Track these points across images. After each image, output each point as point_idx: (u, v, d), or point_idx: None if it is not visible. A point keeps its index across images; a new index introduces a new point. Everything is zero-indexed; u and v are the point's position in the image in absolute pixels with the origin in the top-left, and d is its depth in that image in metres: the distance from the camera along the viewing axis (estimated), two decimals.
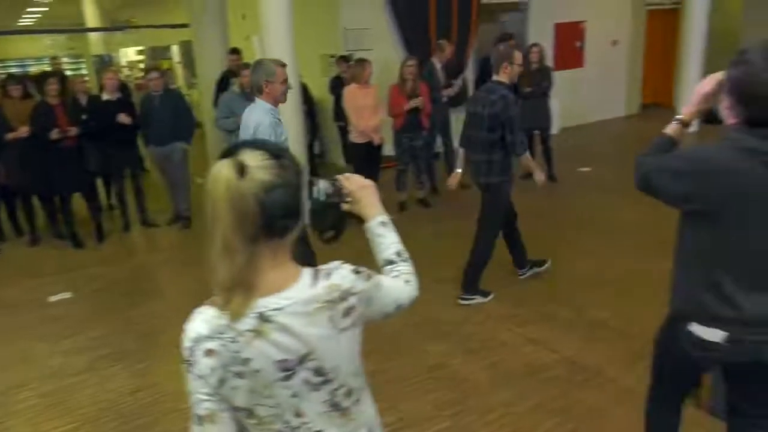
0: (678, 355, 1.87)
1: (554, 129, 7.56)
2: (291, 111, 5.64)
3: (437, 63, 6.54)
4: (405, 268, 1.36)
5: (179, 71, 13.52)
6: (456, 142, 7.02)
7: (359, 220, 4.98)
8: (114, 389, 3.30)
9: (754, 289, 1.67)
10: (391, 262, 1.36)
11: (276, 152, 1.09)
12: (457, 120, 7.19)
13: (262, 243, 1.07)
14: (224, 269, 1.05)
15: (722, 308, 1.70)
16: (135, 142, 5.97)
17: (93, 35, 16.46)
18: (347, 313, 1.15)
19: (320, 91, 7.96)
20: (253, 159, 1.06)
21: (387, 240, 1.38)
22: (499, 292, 4.10)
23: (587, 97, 10.33)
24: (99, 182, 6.41)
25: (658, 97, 11.10)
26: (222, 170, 1.04)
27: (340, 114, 6.57)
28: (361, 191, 1.38)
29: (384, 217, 1.39)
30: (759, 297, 1.66)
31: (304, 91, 7.01)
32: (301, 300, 1.10)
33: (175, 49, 13.66)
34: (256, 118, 3.37)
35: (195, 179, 6.23)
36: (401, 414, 2.88)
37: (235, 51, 7.01)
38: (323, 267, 1.17)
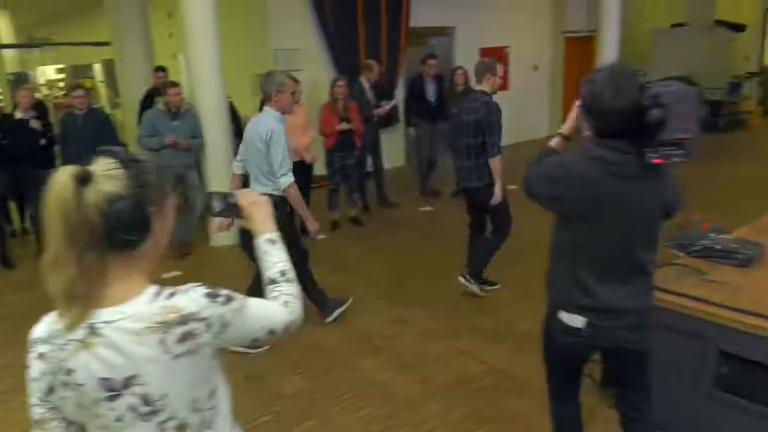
0: (556, 344, 2.05)
1: None
2: (217, 130, 5.57)
3: (365, 82, 6.64)
4: (287, 289, 1.28)
5: (102, 90, 13.04)
6: (385, 162, 7.20)
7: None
8: (18, 423, 3.09)
9: (605, 280, 1.88)
10: (273, 282, 1.29)
11: (128, 161, 1.05)
12: (386, 140, 7.33)
13: (108, 254, 1.02)
14: (56, 280, 1.01)
15: (582, 297, 1.91)
16: (52, 162, 5.69)
17: (7, 52, 15.63)
18: (184, 338, 1.05)
19: (252, 111, 7.87)
20: (101, 167, 1.02)
21: (273, 258, 1.32)
22: (431, 306, 4.17)
23: (513, 118, 10.70)
24: (12, 205, 6.06)
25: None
26: (60, 177, 0.99)
27: None
28: (252, 207, 1.36)
29: (272, 235, 1.34)
30: (610, 287, 1.88)
31: (232, 110, 6.94)
32: (132, 316, 1.03)
33: (97, 68, 13.18)
34: (269, 125, 3.48)
35: None
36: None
37: (161, 69, 6.85)
38: (178, 287, 1.10)
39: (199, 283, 1.12)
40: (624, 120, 1.74)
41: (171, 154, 5.26)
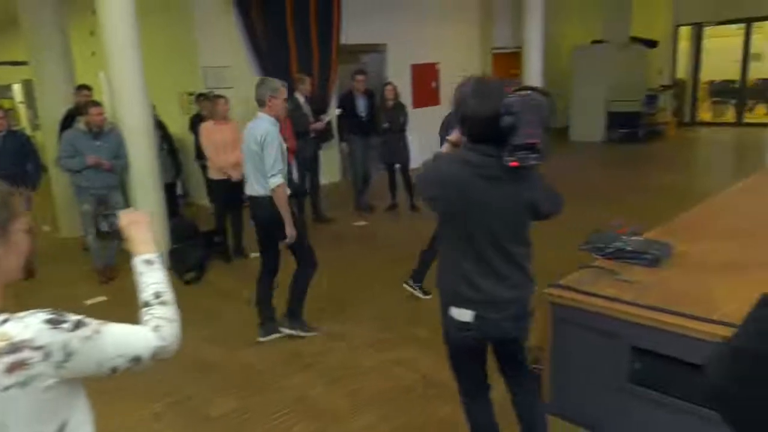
0: (452, 341, 2.17)
1: (414, 163, 7.92)
2: (142, 150, 5.40)
3: (300, 97, 6.63)
4: (160, 312, 1.22)
5: (22, 111, 12.46)
6: (322, 178, 7.18)
7: (225, 259, 4.85)
8: None
9: (486, 275, 2.04)
10: (147, 304, 1.24)
11: None
12: (323, 155, 7.32)
13: None
14: None
15: (468, 291, 2.06)
16: None
17: None
18: (13, 368, 0.97)
19: (181, 129, 7.71)
20: None
21: (148, 280, 1.27)
22: (366, 320, 4.16)
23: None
24: None
25: None
26: None
27: (201, 153, 6.40)
28: (131, 227, 1.33)
29: (150, 256, 1.31)
30: (491, 281, 2.04)
31: (162, 128, 6.78)
32: None
33: (16, 88, 12.59)
34: (264, 128, 3.64)
35: (41, 227, 5.72)
36: None
37: (85, 87, 6.59)
38: (19, 313, 1.04)
39: (46, 309, 1.05)
40: (486, 126, 1.89)
41: (93, 175, 5.06)
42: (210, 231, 5.68)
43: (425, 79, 10.65)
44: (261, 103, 3.71)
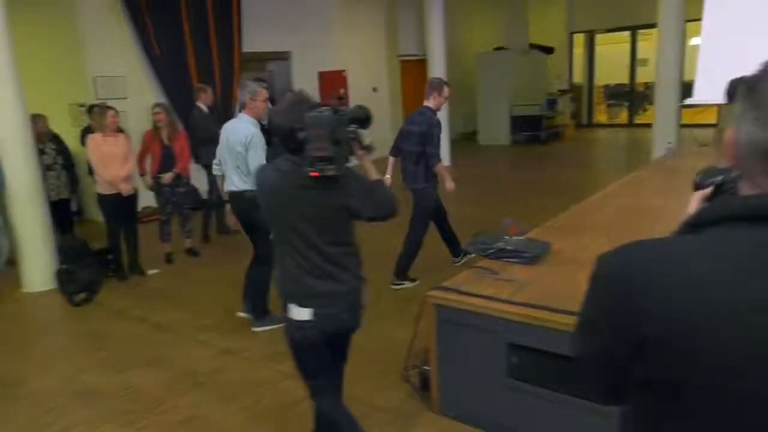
0: (294, 342, 2.23)
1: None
2: (20, 168, 5.04)
3: (203, 106, 6.42)
4: None
5: None
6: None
7: (119, 277, 4.63)
8: None
9: (312, 273, 2.13)
10: None
11: None
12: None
13: None
14: None
15: (301, 290, 2.15)
16: None
17: None
18: None
19: (73, 140, 7.27)
20: None
21: None
22: (261, 333, 4.08)
23: None
24: None
25: None
26: None
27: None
28: None
29: None
30: (319, 280, 2.13)
31: (58, 141, 6.39)
32: None
33: None
34: (248, 130, 3.81)
35: None
36: None
37: None
38: None
39: None
40: (289, 139, 2.05)
41: None
42: (103, 249, 5.38)
43: (334, 86, 10.66)
44: (242, 106, 4.00)
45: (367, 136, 2.20)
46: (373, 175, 2.23)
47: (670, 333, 0.75)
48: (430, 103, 4.64)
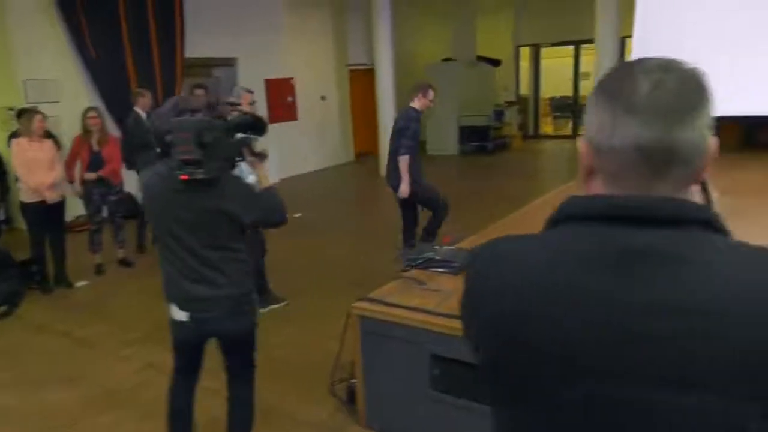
0: (175, 338, 2.33)
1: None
2: None
3: (141, 111, 6.22)
4: None
5: None
6: None
7: (43, 290, 4.42)
8: None
9: (190, 278, 2.15)
10: None
11: None
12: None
13: None
14: None
15: (179, 293, 2.19)
16: None
17: None
18: None
19: (2, 144, 6.92)
20: None
21: None
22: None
23: (304, 148, 10.95)
24: None
25: (367, 146, 12.30)
26: None
27: None
28: None
29: None
30: (197, 284, 2.16)
31: None
32: None
33: None
34: None
35: None
36: None
37: None
38: None
39: None
40: (162, 142, 2.07)
41: None
42: (27, 260, 5.12)
43: (281, 94, 10.55)
44: (227, 111, 4.25)
45: (260, 143, 2.18)
46: (266, 181, 2.24)
47: (499, 321, 0.78)
48: (414, 104, 4.83)
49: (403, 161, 4.74)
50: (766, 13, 5.63)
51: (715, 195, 0.81)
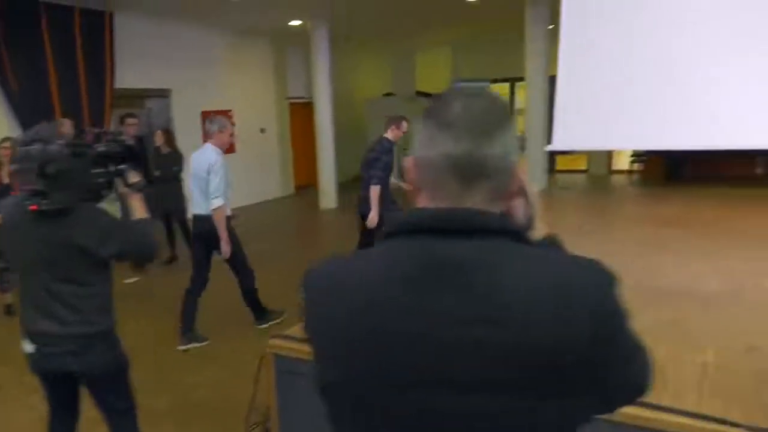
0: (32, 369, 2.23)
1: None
2: None
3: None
4: None
5: None
6: None
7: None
8: None
9: (39, 311, 2.09)
10: None
11: None
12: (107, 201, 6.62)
13: None
14: None
15: (29, 325, 2.14)
16: None
17: None
18: None
19: None
20: None
21: None
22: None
23: (243, 181, 10.75)
24: None
25: (308, 178, 12.24)
26: None
27: None
28: None
29: None
30: (43, 318, 2.10)
31: None
32: None
33: None
34: (211, 157, 4.19)
35: None
36: None
37: None
38: None
39: None
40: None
41: None
42: None
43: None
44: (209, 136, 4.32)
45: (134, 174, 2.11)
46: (139, 213, 2.16)
47: (334, 343, 0.83)
48: (388, 135, 5.04)
49: (374, 191, 4.85)
50: (684, 43, 5.97)
51: (536, 208, 0.90)
